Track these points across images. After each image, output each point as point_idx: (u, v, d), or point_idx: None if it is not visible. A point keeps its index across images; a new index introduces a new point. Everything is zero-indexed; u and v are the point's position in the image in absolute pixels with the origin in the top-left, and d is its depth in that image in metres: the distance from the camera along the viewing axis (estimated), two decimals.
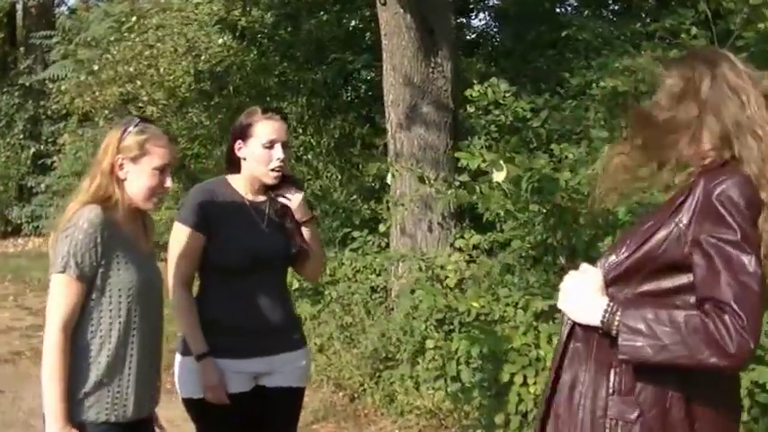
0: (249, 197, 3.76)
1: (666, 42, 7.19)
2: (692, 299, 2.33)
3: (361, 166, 10.39)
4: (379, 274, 7.83)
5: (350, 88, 12.48)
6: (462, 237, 7.17)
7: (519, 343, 5.67)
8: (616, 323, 2.31)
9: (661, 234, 2.36)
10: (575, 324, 2.48)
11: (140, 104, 12.77)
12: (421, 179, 7.50)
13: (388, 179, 7.78)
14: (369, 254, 8.20)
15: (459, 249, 7.04)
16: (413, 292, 6.91)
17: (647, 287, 2.40)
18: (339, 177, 10.31)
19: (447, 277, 7.11)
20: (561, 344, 2.52)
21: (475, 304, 6.19)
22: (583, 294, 2.44)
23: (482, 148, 6.89)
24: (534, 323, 5.91)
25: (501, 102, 7.16)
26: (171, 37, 12.42)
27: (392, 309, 7.80)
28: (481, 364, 6.00)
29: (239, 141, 3.71)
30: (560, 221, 5.93)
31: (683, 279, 2.35)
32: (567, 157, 6.03)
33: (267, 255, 3.71)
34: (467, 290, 6.70)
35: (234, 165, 3.77)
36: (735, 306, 2.18)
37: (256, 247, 3.67)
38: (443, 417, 6.49)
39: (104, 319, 3.09)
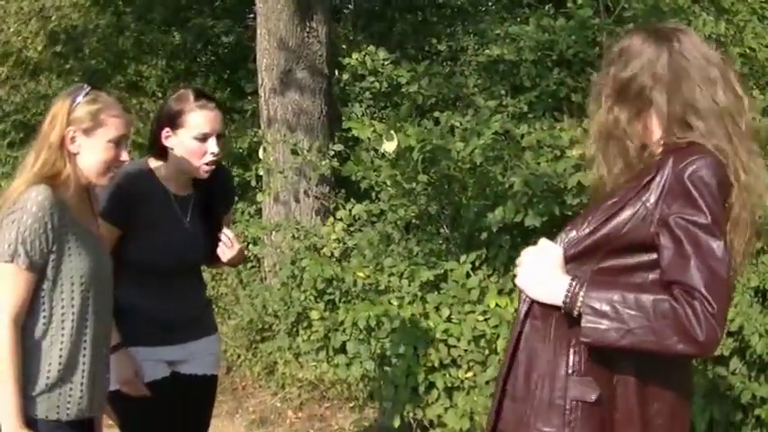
0: (173, 189, 3.48)
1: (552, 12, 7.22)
2: (651, 276, 2.28)
3: (227, 132, 10.12)
4: (254, 244, 7.63)
5: (209, 52, 12.15)
6: (342, 206, 7.05)
7: (408, 314, 5.63)
8: (579, 304, 2.24)
9: (626, 212, 2.29)
10: (532, 302, 2.39)
11: None
12: (294, 151, 7.35)
13: (260, 153, 7.61)
14: (240, 222, 7.98)
15: (340, 219, 6.92)
16: (293, 262, 6.77)
17: (606, 264, 2.33)
18: None
19: (324, 247, 7.01)
20: (519, 322, 2.43)
21: (360, 274, 6.11)
22: (543, 272, 2.34)
23: (363, 115, 6.81)
24: (419, 293, 5.88)
25: (380, 70, 7.04)
26: None
27: (264, 279, 7.65)
28: (367, 335, 5.93)
29: (167, 129, 3.38)
30: (449, 191, 5.90)
31: (644, 257, 2.29)
32: (452, 126, 5.96)
33: (191, 258, 3.53)
34: (349, 260, 6.60)
35: (158, 151, 3.45)
36: (705, 292, 2.13)
37: (181, 250, 3.46)
38: (325, 389, 6.41)
39: (56, 310, 2.82)
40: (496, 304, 5.43)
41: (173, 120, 3.37)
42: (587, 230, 2.34)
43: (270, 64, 7.51)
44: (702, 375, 4.95)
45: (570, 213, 5.32)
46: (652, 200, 2.26)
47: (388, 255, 6.32)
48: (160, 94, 10.72)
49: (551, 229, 5.54)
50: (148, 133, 3.64)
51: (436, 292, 5.85)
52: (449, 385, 5.40)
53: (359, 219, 6.87)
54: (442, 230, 6.28)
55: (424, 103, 7.46)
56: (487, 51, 7.05)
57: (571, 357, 2.35)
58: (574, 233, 2.37)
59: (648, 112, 2.40)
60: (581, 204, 5.10)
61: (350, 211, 6.87)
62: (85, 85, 2.99)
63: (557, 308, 2.33)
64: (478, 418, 5.02)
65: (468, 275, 5.74)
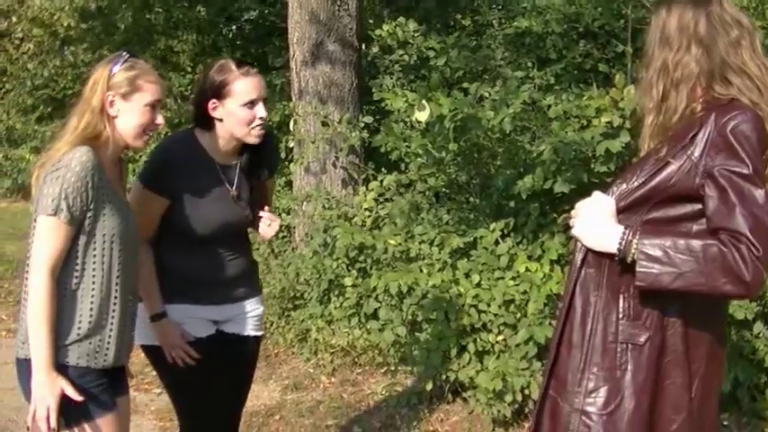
0: (219, 159, 3.57)
1: None
2: (695, 227, 2.45)
3: None
4: (287, 213, 7.78)
5: (234, 27, 12.29)
6: (374, 177, 7.18)
7: (438, 280, 5.75)
8: (633, 250, 2.41)
9: (673, 166, 2.46)
10: (587, 251, 2.57)
11: (16, 41, 12.26)
12: (324, 123, 7.48)
13: (291, 125, 7.75)
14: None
15: (371, 190, 7.06)
16: (325, 230, 6.91)
17: (653, 215, 2.50)
18: None
19: (355, 216, 7.15)
20: (575, 270, 2.62)
21: (392, 242, 6.24)
22: (597, 221, 2.52)
23: (393, 87, 6.92)
24: (449, 260, 6.01)
25: (410, 41, 7.16)
26: None
27: (295, 248, 7.79)
28: (398, 301, 6.07)
29: (214, 101, 3.45)
30: (479, 160, 6.01)
31: (688, 208, 2.46)
32: (482, 96, 6.08)
33: (234, 226, 3.64)
34: (380, 229, 6.73)
35: (205, 123, 3.53)
36: (751, 237, 2.30)
37: (224, 219, 3.56)
38: (357, 355, 6.55)
39: (88, 265, 3.00)
40: (526, 269, 5.55)
41: (218, 90, 3.44)
42: (637, 183, 2.52)
43: (301, 37, 7.63)
44: (727, 338, 5.06)
45: (597, 181, 5.44)
46: (697, 153, 2.43)
47: (418, 223, 6.45)
48: (189, 69, 10.85)
49: (579, 196, 5.65)
50: (191, 106, 3.78)
51: (466, 260, 5.97)
52: (480, 349, 5.52)
53: (389, 189, 7.00)
54: (471, 199, 6.40)
55: (451, 75, 7.58)
56: (516, 24, 7.15)
57: (621, 302, 2.55)
58: (624, 186, 2.54)
59: (690, 70, 2.54)
60: (608, 172, 5.20)
61: (381, 181, 6.99)
62: (124, 53, 3.16)
63: (608, 256, 2.51)
64: (510, 380, 5.14)
65: (497, 243, 5.86)
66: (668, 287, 2.36)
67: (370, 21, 8.52)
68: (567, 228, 5.65)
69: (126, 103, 3.07)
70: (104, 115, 3.06)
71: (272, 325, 7.15)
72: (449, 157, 6.05)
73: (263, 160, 3.70)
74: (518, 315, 5.43)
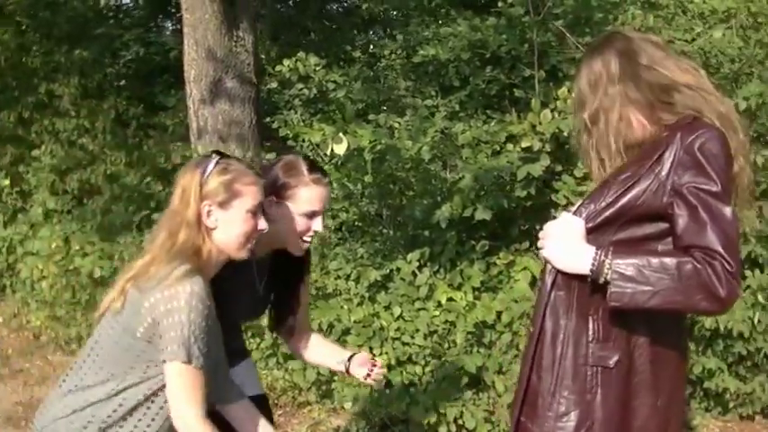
0: (258, 253, 3.15)
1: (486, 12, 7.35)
2: (660, 246, 2.44)
3: (145, 147, 10.03)
4: None
5: (119, 66, 12.00)
6: None
7: (360, 315, 5.68)
8: (606, 270, 2.38)
9: (641, 185, 2.43)
10: (557, 272, 2.53)
11: None
12: None
13: None
14: None
15: None
16: None
17: (621, 235, 2.47)
18: (123, 160, 9.86)
19: None
20: (546, 293, 2.57)
21: None
22: (568, 243, 2.48)
23: (299, 122, 6.85)
24: (367, 294, 5.94)
25: (311, 75, 7.09)
26: None
27: None
28: None
29: (272, 197, 3.08)
30: (392, 191, 5.97)
31: (653, 228, 2.45)
32: (391, 127, 6.06)
33: (253, 319, 3.50)
34: None
35: None
36: (724, 253, 2.29)
37: (246, 314, 3.36)
38: (277, 396, 6.39)
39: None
40: (448, 298, 5.53)
41: (279, 191, 3.08)
42: (605, 203, 2.48)
43: (198, 74, 7.47)
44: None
45: (515, 206, 5.47)
46: (664, 172, 2.41)
47: (332, 258, 6.36)
48: (73, 113, 10.54)
49: (497, 223, 5.69)
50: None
51: (384, 292, 5.91)
52: (406, 382, 5.46)
53: None
54: (384, 231, 6.35)
55: (353, 106, 7.53)
56: (422, 52, 7.15)
57: (591, 325, 2.51)
58: (592, 206, 2.51)
59: (627, 108, 2.57)
60: (529, 196, 5.22)
61: None
62: (213, 155, 2.84)
63: (578, 278, 2.47)
64: (444, 411, 5.09)
65: (414, 274, 5.83)
66: (643, 306, 2.34)
67: (262, 56, 8.41)
68: (488, 254, 5.70)
69: (224, 212, 2.75)
70: (201, 227, 2.74)
71: None
72: (360, 189, 6.00)
73: (300, 263, 3.39)
74: (445, 345, 5.39)
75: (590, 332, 2.50)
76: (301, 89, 7.48)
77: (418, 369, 5.46)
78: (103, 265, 8.02)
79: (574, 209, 2.58)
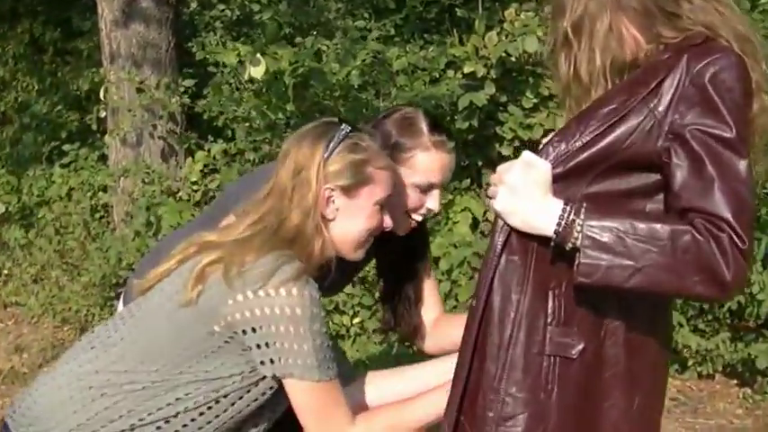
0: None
1: None
2: (649, 205, 1.87)
3: (60, 74, 9.36)
4: (104, 191, 6.98)
5: None
6: (200, 147, 6.47)
7: None
8: (576, 234, 1.81)
9: (630, 122, 1.84)
10: (510, 231, 1.93)
11: None
12: (140, 89, 6.71)
13: (101, 93, 6.94)
14: (84, 169, 7.30)
15: (198, 161, 6.37)
16: (148, 208, 6.16)
17: (594, 188, 1.89)
18: (36, 87, 9.21)
19: (179, 191, 6.44)
20: (493, 257, 1.94)
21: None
22: (528, 193, 1.87)
23: (217, 44, 6.25)
24: None
25: None
26: None
27: (114, 229, 7.02)
28: None
29: None
30: None
31: (641, 180, 1.88)
32: (319, 50, 5.49)
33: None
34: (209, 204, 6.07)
35: None
36: (735, 223, 1.73)
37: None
38: None
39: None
40: None
41: (392, 151, 2.47)
42: (580, 143, 1.88)
43: None
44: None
45: (456, 139, 4.98)
46: (662, 107, 1.83)
47: None
48: None
49: None
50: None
51: None
52: (333, 333, 5.00)
53: (216, 159, 6.32)
54: None
55: (280, 30, 6.95)
56: None
57: (550, 302, 1.92)
58: (563, 146, 1.90)
59: (618, 16, 1.95)
60: (471, 128, 4.73)
61: (208, 150, 6.30)
62: (343, 124, 2.26)
63: (537, 240, 1.89)
64: (371, 365, 4.65)
65: None
66: (620, 285, 1.78)
67: None
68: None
69: (349, 200, 2.22)
70: (317, 216, 2.18)
71: (93, 317, 6.37)
72: (283, 119, 5.44)
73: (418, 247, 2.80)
74: (375, 294, 4.92)
75: (548, 312, 1.91)
76: (223, 10, 6.86)
77: (345, 319, 5.00)
78: (10, 200, 7.46)
79: (541, 146, 1.96)
